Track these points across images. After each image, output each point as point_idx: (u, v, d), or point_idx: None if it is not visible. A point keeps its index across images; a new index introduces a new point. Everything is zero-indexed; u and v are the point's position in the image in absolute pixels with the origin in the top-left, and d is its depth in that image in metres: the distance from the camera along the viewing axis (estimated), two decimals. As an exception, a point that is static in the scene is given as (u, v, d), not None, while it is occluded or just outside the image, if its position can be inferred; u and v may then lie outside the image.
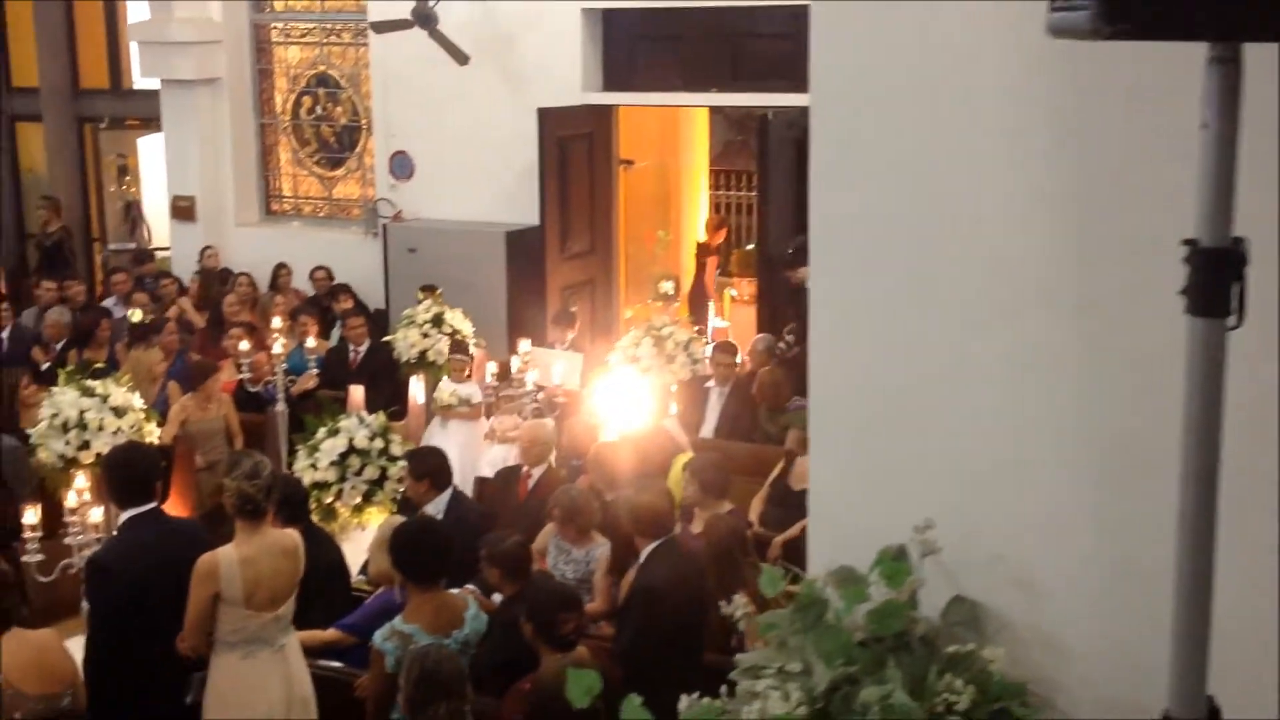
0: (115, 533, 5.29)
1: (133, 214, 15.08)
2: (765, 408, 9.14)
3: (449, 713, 4.11)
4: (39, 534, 6.06)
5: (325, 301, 12.39)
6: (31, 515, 6.07)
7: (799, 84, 11.60)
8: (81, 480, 6.26)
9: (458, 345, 10.06)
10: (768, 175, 11.44)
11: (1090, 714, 2.44)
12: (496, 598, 5.92)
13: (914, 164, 2.52)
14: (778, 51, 11.86)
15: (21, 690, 4.38)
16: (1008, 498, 2.49)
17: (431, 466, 7.12)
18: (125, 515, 5.27)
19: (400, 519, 6.63)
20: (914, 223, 2.51)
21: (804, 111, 9.96)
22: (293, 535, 5.51)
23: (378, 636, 4.95)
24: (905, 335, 2.56)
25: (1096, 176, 2.40)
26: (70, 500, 6.16)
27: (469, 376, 9.68)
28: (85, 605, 6.02)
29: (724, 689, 2.42)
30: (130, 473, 5.33)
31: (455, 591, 5.43)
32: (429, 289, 11.37)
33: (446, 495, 7.14)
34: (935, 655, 2.31)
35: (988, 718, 2.18)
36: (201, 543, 5.49)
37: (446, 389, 9.52)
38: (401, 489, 7.64)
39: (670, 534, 5.48)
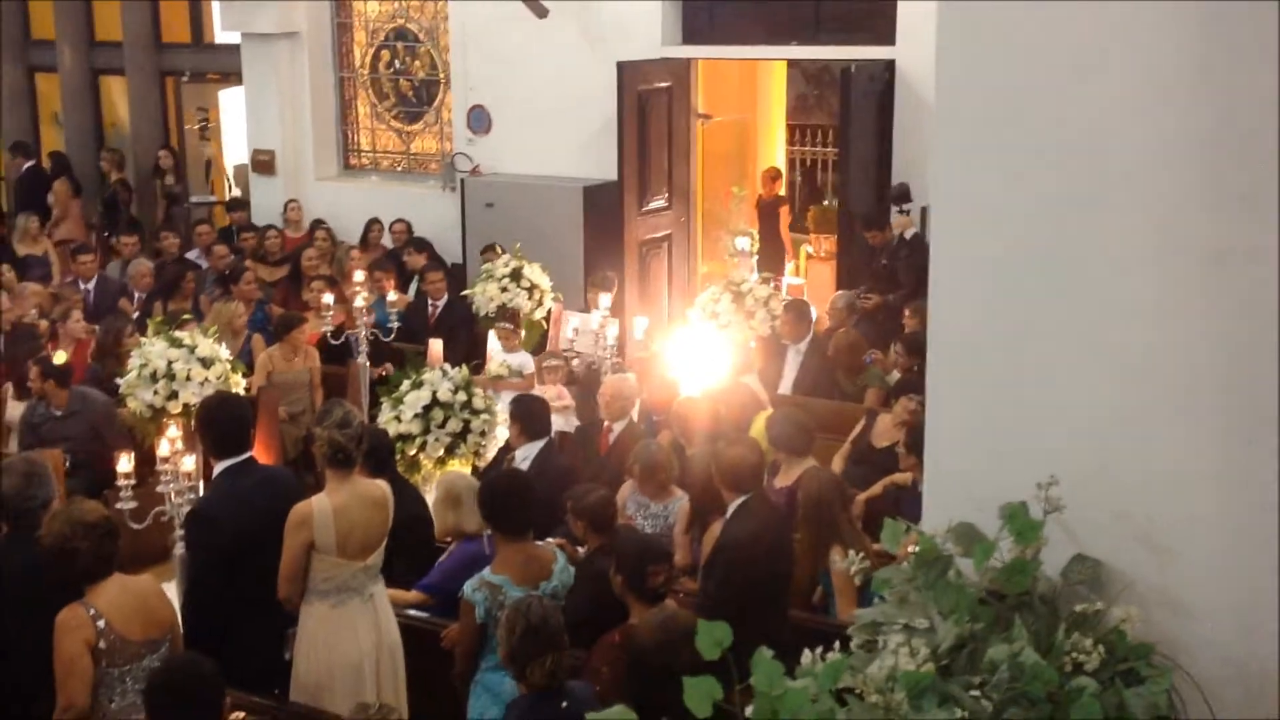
0: (212, 483, 5.34)
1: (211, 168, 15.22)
2: (841, 369, 9.06)
3: (553, 665, 4.12)
4: (132, 481, 6.13)
5: (402, 255, 12.45)
6: (125, 463, 6.15)
7: (882, 36, 11.49)
8: (174, 430, 6.33)
9: (504, 312, 9.89)
10: (849, 130, 11.27)
11: (1213, 675, 2.38)
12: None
13: (1039, 114, 2.45)
14: (860, 3, 11.68)
15: (124, 636, 4.45)
16: (1132, 453, 2.42)
17: (526, 412, 7.24)
18: (221, 466, 5.33)
19: (451, 474, 6.67)
20: (1037, 173, 2.45)
21: (887, 65, 9.85)
22: (382, 485, 5.55)
23: (467, 587, 4.97)
24: (1026, 286, 2.50)
25: (1229, 126, 2.32)
26: (163, 449, 6.24)
27: (519, 345, 9.54)
28: (179, 554, 6.16)
29: (837, 644, 2.39)
30: (225, 424, 5.38)
31: (543, 543, 5.43)
32: (490, 249, 11.36)
33: (538, 445, 7.20)
34: (1057, 614, 2.26)
35: (1114, 678, 2.13)
36: (294, 491, 5.55)
37: (496, 358, 9.34)
38: (483, 442, 7.68)
39: (758, 489, 5.45)
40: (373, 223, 13.09)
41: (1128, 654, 2.17)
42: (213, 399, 5.76)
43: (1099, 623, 2.20)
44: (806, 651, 2.17)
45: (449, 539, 6.33)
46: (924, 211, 10.93)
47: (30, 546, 4.67)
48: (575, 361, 9.56)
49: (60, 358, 8.95)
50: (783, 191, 14.64)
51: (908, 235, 10.04)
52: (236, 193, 14.96)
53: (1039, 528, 2.27)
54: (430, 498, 6.86)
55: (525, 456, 7.22)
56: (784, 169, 15.82)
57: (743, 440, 5.50)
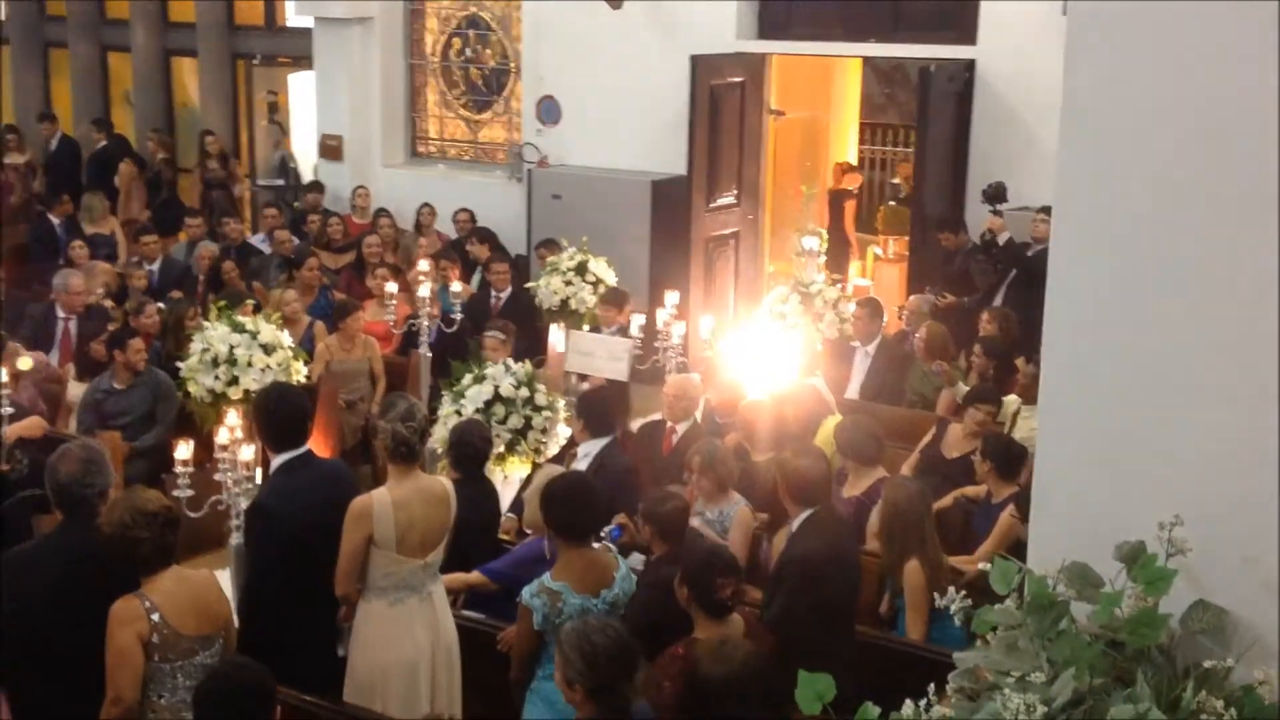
0: (270, 476, 5.24)
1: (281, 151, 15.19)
2: (928, 363, 8.83)
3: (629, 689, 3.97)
4: (190, 469, 6.05)
5: (466, 245, 12.36)
6: (184, 450, 6.06)
7: (962, 35, 11.24)
8: (234, 417, 6.24)
9: (497, 322, 9.31)
10: (926, 130, 11.02)
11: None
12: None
13: (1172, 117, 2.25)
14: (941, 2, 11.43)
15: (178, 630, 4.34)
16: (1262, 493, 2.22)
17: (590, 409, 7.13)
18: (280, 459, 5.23)
19: (551, 467, 6.55)
20: (1171, 182, 2.25)
21: (967, 65, 9.61)
22: (443, 483, 5.43)
23: (526, 592, 4.82)
24: (1148, 315, 2.31)
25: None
26: (221, 437, 6.14)
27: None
28: (234, 544, 6.07)
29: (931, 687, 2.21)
30: (284, 416, 5.29)
31: (599, 545, 5.28)
32: (549, 243, 11.20)
33: (602, 442, 7.06)
34: (1174, 666, 2.07)
35: (1244, 742, 1.94)
36: (352, 485, 5.46)
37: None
38: (544, 439, 7.55)
39: (826, 501, 5.26)
40: (423, 207, 12.99)
41: (1256, 718, 1.98)
42: (271, 390, 5.66)
43: (1223, 681, 2.01)
44: (908, 703, 1.98)
45: (535, 531, 6.17)
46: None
47: (86, 535, 4.59)
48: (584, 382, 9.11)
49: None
50: (852, 186, 14.41)
51: (1001, 240, 9.75)
52: (309, 178, 14.94)
53: (1170, 578, 2.07)
54: (526, 490, 6.74)
55: (586, 454, 7.09)
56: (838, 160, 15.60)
57: (809, 451, 5.31)
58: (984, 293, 9.92)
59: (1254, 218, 2.18)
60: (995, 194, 9.76)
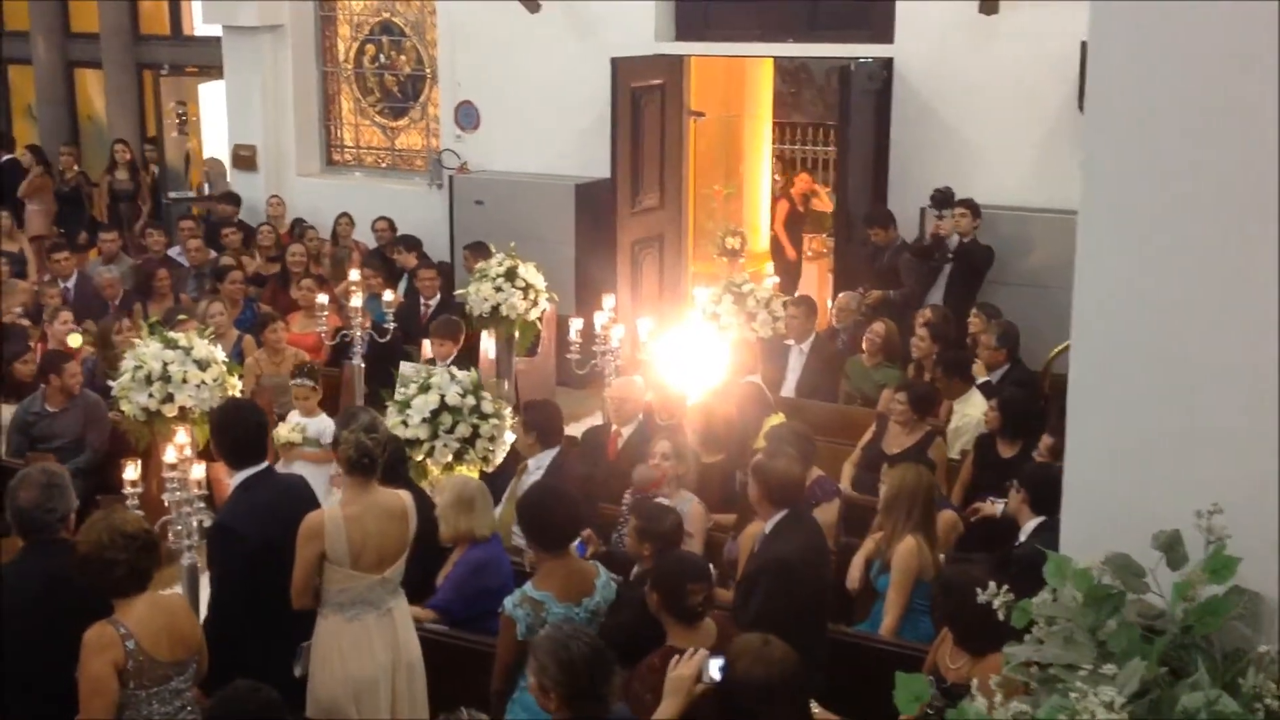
0: (231, 494, 5.14)
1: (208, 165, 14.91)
2: (870, 361, 8.94)
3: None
4: (138, 489, 5.92)
5: (388, 253, 12.24)
6: (132, 471, 5.93)
7: (879, 34, 11.39)
8: (182, 435, 6.11)
9: (302, 369, 8.41)
10: (847, 129, 11.15)
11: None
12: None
13: (1196, 114, 2.31)
14: (857, 1, 11.56)
15: (154, 656, 4.25)
16: (1289, 480, 2.28)
17: (542, 421, 7.03)
18: (240, 476, 5.14)
19: (461, 478, 6.45)
20: (1195, 178, 2.31)
21: (885, 64, 9.77)
22: (402, 496, 5.36)
23: (508, 603, 4.79)
24: (1181, 298, 2.36)
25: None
26: (169, 456, 6.02)
27: (318, 408, 8.19)
28: (186, 564, 5.95)
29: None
30: (242, 432, 5.20)
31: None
32: (477, 246, 11.15)
33: (551, 453, 7.03)
34: (1216, 654, 2.12)
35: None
36: (312, 500, 5.37)
37: (289, 423, 8.04)
38: (492, 447, 7.49)
39: (799, 503, 5.30)
40: (341, 217, 12.85)
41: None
42: (227, 406, 5.58)
43: (1272, 665, 2.06)
44: (979, 697, 2.00)
45: (454, 543, 6.11)
46: (921, 213, 10.86)
47: (50, 560, 4.48)
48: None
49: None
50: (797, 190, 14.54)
51: (951, 244, 9.93)
52: (209, 189, 14.68)
53: (1234, 565, 2.12)
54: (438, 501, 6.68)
55: (539, 465, 7.04)
56: (771, 167, 15.74)
57: (784, 452, 5.34)
58: (913, 289, 10.06)
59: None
60: (944, 199, 9.95)
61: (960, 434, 8.02)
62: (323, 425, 7.94)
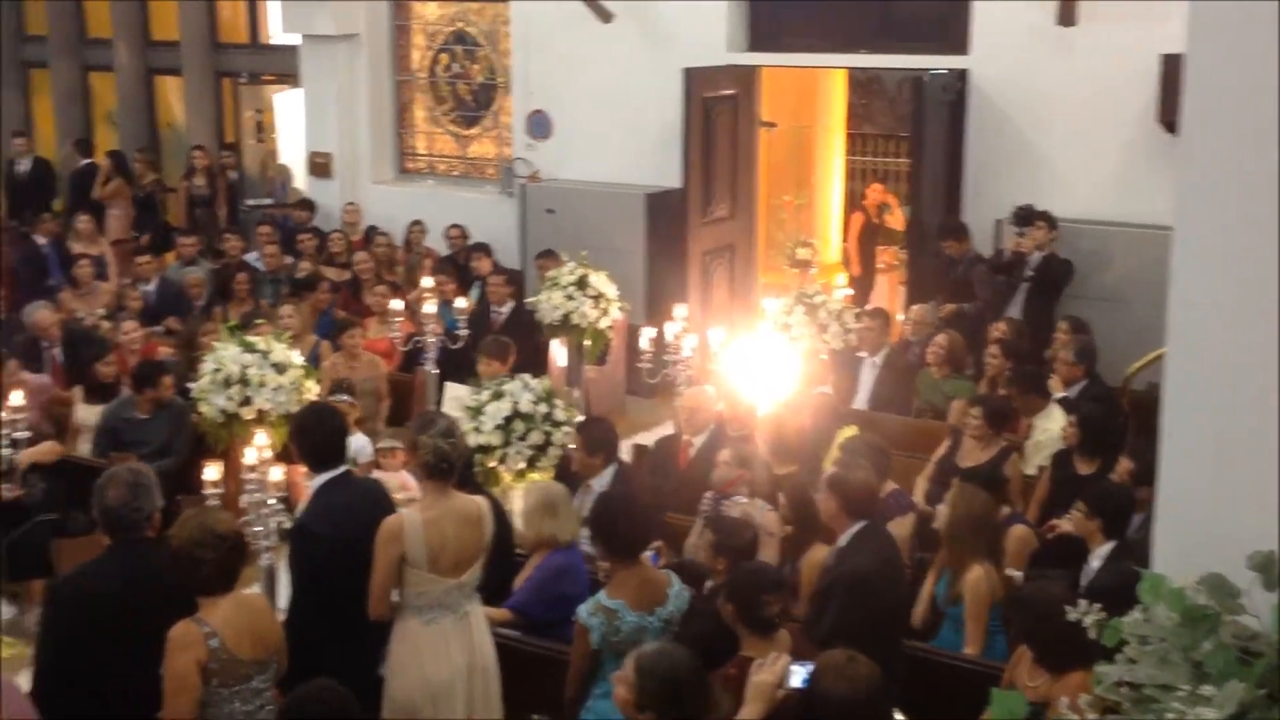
0: (311, 496, 5.20)
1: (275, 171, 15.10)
2: (939, 374, 8.88)
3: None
4: (219, 490, 6.01)
5: (460, 260, 12.34)
6: (212, 472, 6.02)
7: (954, 45, 11.32)
8: (262, 437, 6.19)
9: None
10: (921, 141, 11.09)
11: None
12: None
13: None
14: (931, 11, 11.52)
15: (236, 655, 4.31)
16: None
17: (605, 439, 6.99)
18: (319, 479, 5.19)
19: (546, 483, 6.46)
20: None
21: (960, 75, 9.71)
22: (479, 502, 5.38)
23: (583, 610, 4.81)
24: (1274, 319, 2.32)
25: None
26: (249, 458, 6.10)
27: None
28: (265, 564, 6.03)
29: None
30: (322, 436, 5.25)
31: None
32: (548, 254, 11.21)
33: (612, 468, 7.02)
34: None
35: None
36: (389, 504, 5.42)
37: None
38: (565, 455, 7.51)
39: (875, 515, 5.27)
40: (414, 224, 12.98)
41: None
42: (308, 410, 5.64)
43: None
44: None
45: (533, 549, 6.14)
46: (996, 226, 10.78)
47: (136, 557, 4.56)
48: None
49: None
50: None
51: (1032, 261, 9.87)
52: (280, 195, 14.88)
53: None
54: (515, 508, 6.71)
55: (602, 484, 7.01)
56: (843, 178, 15.69)
57: (861, 464, 5.32)
58: (988, 301, 9.98)
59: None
60: (1025, 216, 9.89)
61: (1039, 449, 7.93)
62: (360, 443, 7.73)
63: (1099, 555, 5.92)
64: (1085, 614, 2.28)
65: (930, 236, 10.88)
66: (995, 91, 11.03)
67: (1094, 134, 10.61)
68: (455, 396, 8.48)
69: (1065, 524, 6.62)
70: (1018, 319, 9.41)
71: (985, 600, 5.65)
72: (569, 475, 7.19)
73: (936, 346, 8.90)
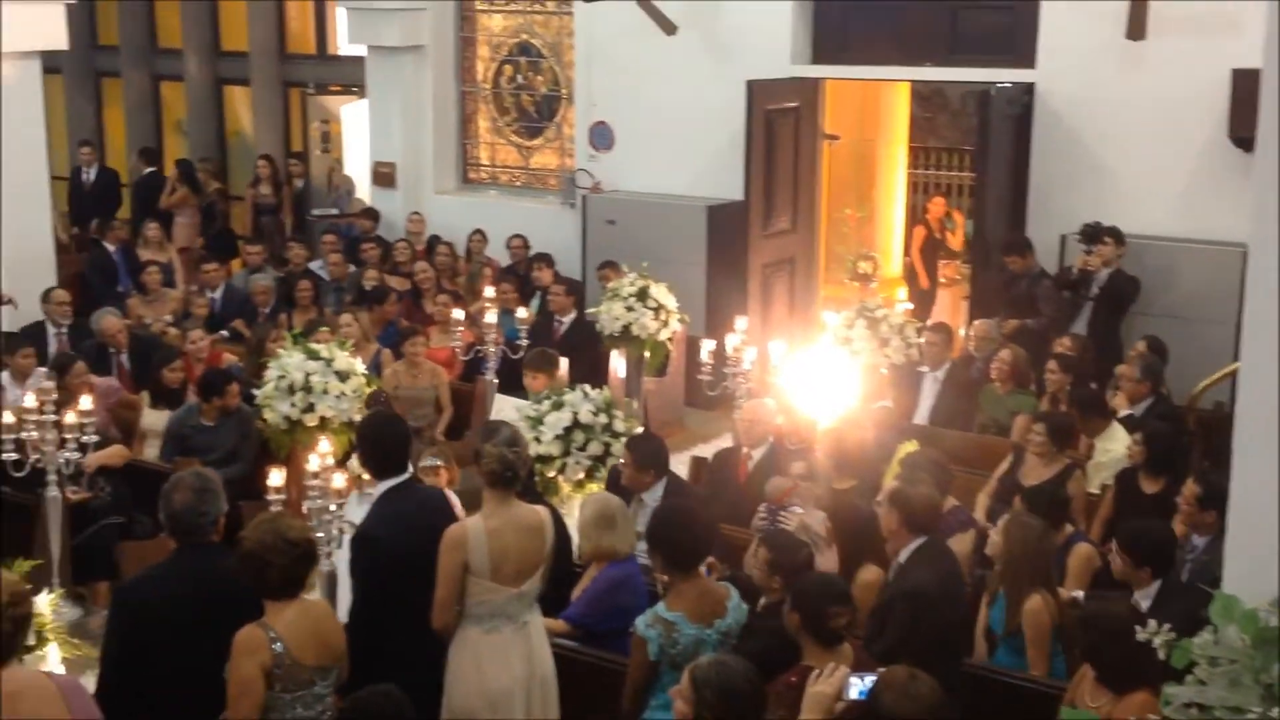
0: (375, 504, 5.24)
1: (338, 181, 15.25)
2: (1003, 389, 8.81)
3: None
4: (282, 496, 6.07)
5: (521, 270, 12.40)
6: (276, 477, 6.09)
7: (1022, 59, 11.24)
8: (325, 444, 6.26)
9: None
10: (986, 155, 11.00)
11: None
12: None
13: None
14: (998, 24, 11.44)
15: (300, 660, 4.35)
16: None
17: (656, 455, 6.97)
18: (382, 486, 5.24)
19: (603, 495, 6.44)
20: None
21: (1027, 89, 9.65)
22: (540, 512, 5.40)
23: (640, 623, 4.80)
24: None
25: None
26: (311, 464, 6.17)
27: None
28: (325, 570, 6.08)
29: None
30: (388, 444, 5.29)
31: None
32: (609, 266, 11.26)
33: (663, 483, 6.99)
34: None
35: None
36: (451, 512, 5.45)
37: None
38: (626, 465, 7.51)
39: (935, 531, 5.23)
40: (474, 233, 13.06)
41: None
42: (374, 418, 5.69)
43: None
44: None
45: (592, 561, 6.14)
46: (1062, 241, 10.67)
47: (199, 562, 4.61)
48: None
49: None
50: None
51: (1101, 277, 9.79)
52: (342, 205, 15.03)
53: None
54: (573, 518, 6.71)
55: (654, 499, 6.96)
56: (905, 191, 15.61)
57: (923, 479, 5.28)
58: (1052, 318, 9.89)
59: None
60: (1094, 234, 9.81)
61: (1102, 469, 7.84)
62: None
63: (1146, 595, 5.77)
64: (1155, 634, 2.25)
65: (994, 251, 10.79)
66: (1062, 105, 10.94)
67: (1162, 149, 10.48)
68: (501, 409, 8.49)
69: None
70: (1083, 335, 9.32)
71: (1047, 629, 5.58)
72: (619, 488, 7.19)
73: (1000, 362, 8.82)
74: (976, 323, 9.98)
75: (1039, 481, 7.46)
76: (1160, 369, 8.55)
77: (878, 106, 15.16)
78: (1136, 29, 10.31)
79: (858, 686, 3.98)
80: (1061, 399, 8.44)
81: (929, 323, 10.32)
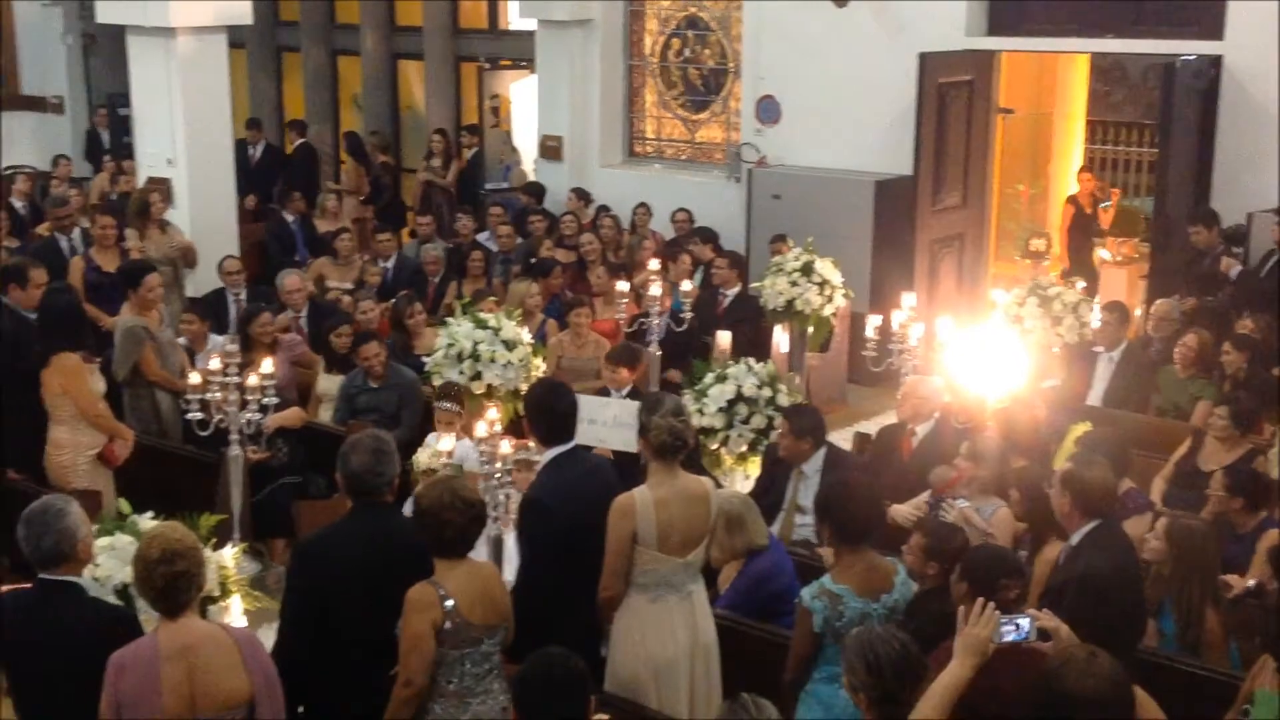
0: (541, 470, 5.33)
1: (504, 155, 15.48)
2: (1184, 373, 8.51)
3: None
4: (451, 460, 6.19)
5: (685, 244, 12.40)
6: (447, 443, 6.21)
7: (1208, 30, 10.79)
8: (493, 412, 6.36)
9: (447, 391, 7.63)
10: (1169, 130, 10.61)
11: None
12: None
13: None
14: (1184, -5, 11.02)
15: (469, 619, 4.45)
16: None
17: (812, 424, 6.95)
18: (550, 453, 5.31)
19: (721, 501, 6.35)
20: None
21: (1214, 62, 9.28)
22: (704, 482, 5.41)
23: (806, 594, 4.78)
24: None
25: None
26: (479, 430, 6.27)
27: (462, 430, 7.30)
28: (490, 534, 6.19)
29: None
30: (556, 412, 5.36)
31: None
32: (779, 240, 11.20)
33: (822, 451, 6.96)
34: None
35: None
36: (615, 481, 5.49)
37: (428, 447, 7.13)
38: (789, 439, 7.48)
39: (1111, 514, 5.07)
40: (639, 206, 13.09)
41: None
42: (543, 386, 5.75)
43: None
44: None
45: (723, 564, 6.09)
46: (1248, 220, 10.24)
47: (377, 521, 4.75)
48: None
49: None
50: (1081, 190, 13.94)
51: (1232, 274, 9.47)
52: (507, 179, 15.24)
53: None
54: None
55: (816, 469, 6.97)
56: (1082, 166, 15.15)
57: (1098, 461, 5.12)
58: (1233, 297, 9.50)
59: None
60: (1236, 237, 9.44)
61: (1284, 457, 7.52)
62: (466, 449, 7.09)
63: None
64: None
65: (1176, 230, 10.42)
66: (1251, 80, 10.49)
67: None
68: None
69: None
70: (1269, 316, 8.93)
71: (1224, 639, 5.40)
72: (778, 461, 7.18)
73: (1185, 347, 8.50)
74: (1157, 303, 9.64)
75: (1219, 467, 7.20)
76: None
77: (1054, 79, 14.73)
78: (1334, -2, 9.83)
79: (1010, 630, 3.94)
80: (1239, 380, 8.12)
81: (1106, 302, 9.99)
